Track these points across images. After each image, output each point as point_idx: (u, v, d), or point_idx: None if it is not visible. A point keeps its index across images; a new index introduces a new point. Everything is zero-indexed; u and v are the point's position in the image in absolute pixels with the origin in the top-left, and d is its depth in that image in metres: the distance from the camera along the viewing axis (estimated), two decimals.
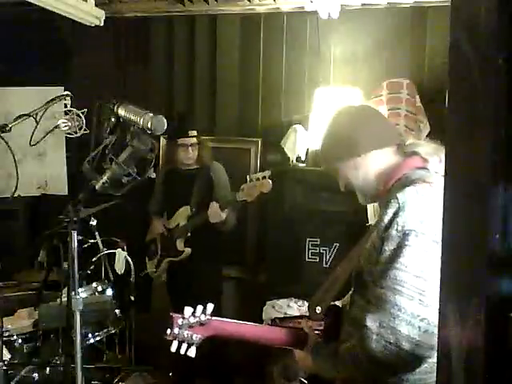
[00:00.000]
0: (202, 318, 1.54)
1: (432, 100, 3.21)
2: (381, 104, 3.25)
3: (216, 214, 3.13)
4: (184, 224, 3.31)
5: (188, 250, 3.31)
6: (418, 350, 1.28)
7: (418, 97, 3.26)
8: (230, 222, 3.29)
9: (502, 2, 0.60)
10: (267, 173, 2.98)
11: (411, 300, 1.28)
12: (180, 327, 1.52)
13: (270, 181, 2.95)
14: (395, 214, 1.35)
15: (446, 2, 3.32)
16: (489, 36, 0.62)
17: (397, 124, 3.21)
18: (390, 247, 1.35)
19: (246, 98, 3.86)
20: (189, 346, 1.53)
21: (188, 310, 1.54)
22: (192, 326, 1.53)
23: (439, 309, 0.73)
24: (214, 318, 1.56)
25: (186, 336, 1.52)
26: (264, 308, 3.18)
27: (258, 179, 2.97)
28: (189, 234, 3.30)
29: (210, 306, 1.57)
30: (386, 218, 1.37)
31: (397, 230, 1.34)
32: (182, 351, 1.52)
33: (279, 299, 3.25)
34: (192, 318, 1.53)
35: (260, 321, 3.11)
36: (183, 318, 1.53)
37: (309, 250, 3.31)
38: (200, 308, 1.56)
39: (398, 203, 1.36)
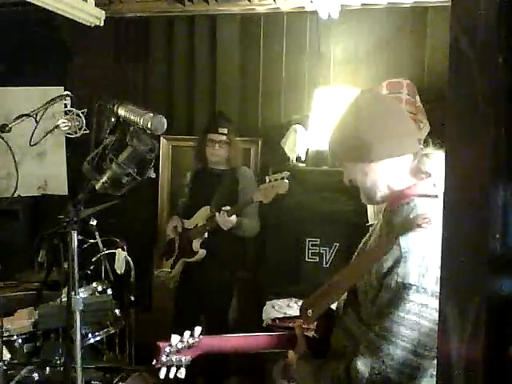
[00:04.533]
0: (190, 341, 1.52)
1: (432, 100, 3.21)
2: None
3: (223, 221, 3.09)
4: (202, 225, 3.27)
5: (202, 252, 3.26)
6: None
7: (417, 97, 3.26)
8: (249, 229, 3.26)
9: (501, 2, 0.60)
10: (285, 174, 2.89)
11: (404, 351, 1.28)
12: (167, 355, 1.51)
13: (287, 181, 2.88)
14: (395, 264, 1.29)
15: (446, 1, 3.32)
16: (489, 36, 0.62)
17: None
18: (387, 295, 1.30)
19: (246, 98, 3.86)
20: (178, 368, 1.52)
21: (175, 338, 1.52)
22: (180, 351, 1.52)
23: (439, 308, 0.73)
24: (202, 336, 1.55)
25: (174, 361, 1.51)
26: (264, 308, 3.18)
27: (275, 180, 2.91)
28: (205, 235, 3.25)
29: (198, 329, 1.55)
30: (386, 265, 1.31)
31: (396, 281, 1.28)
32: (171, 375, 1.51)
33: (279, 299, 3.24)
34: (180, 343, 1.52)
35: (260, 321, 3.11)
36: (170, 345, 1.52)
37: (309, 249, 3.30)
38: (187, 333, 1.54)
39: (400, 251, 1.29)
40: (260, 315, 3.15)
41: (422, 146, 1.47)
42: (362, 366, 1.31)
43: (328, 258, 3.27)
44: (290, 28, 3.72)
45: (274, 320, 3.07)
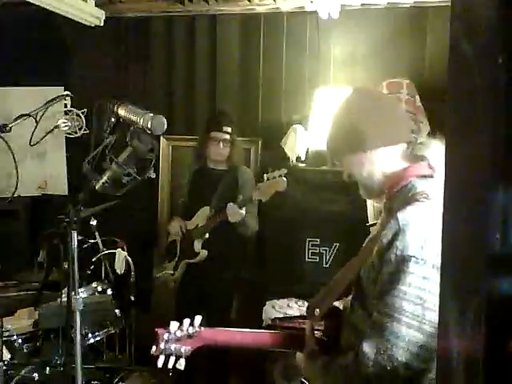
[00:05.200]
0: (190, 330, 1.51)
1: (432, 100, 3.21)
2: None
3: (235, 213, 3.04)
4: (203, 225, 3.26)
5: (204, 252, 3.24)
6: (416, 376, 1.26)
7: (417, 97, 3.26)
8: (252, 226, 3.23)
9: (501, 2, 0.60)
10: (283, 171, 2.89)
11: (409, 328, 1.25)
12: (166, 342, 1.50)
13: (285, 179, 2.88)
14: (394, 237, 1.29)
15: (446, 1, 3.32)
16: (489, 36, 0.62)
17: None
18: (388, 270, 1.30)
19: (245, 98, 3.86)
20: (177, 359, 1.50)
21: (174, 325, 1.52)
22: (179, 339, 1.50)
23: (439, 309, 0.73)
24: (203, 328, 1.54)
25: (173, 349, 1.49)
26: (264, 308, 3.18)
27: (273, 178, 2.90)
28: (206, 236, 3.23)
29: (198, 318, 1.54)
30: (385, 240, 1.31)
31: (396, 254, 1.28)
32: (170, 365, 1.50)
33: (279, 299, 3.25)
34: (179, 331, 1.51)
35: (260, 321, 3.11)
36: (169, 332, 1.51)
37: (309, 250, 3.30)
38: (187, 321, 1.53)
39: (398, 225, 1.29)
40: (260, 315, 3.15)
41: (415, 135, 1.51)
42: (368, 347, 1.29)
43: (328, 257, 3.27)
44: (290, 28, 3.72)
45: (274, 320, 3.07)
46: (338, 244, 3.25)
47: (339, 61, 3.66)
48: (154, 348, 1.50)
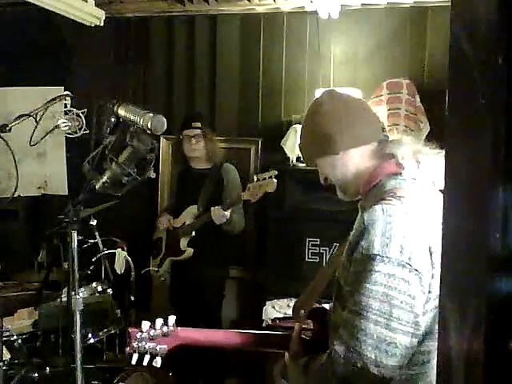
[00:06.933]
0: (164, 329, 1.57)
1: (432, 100, 3.21)
2: (381, 104, 3.25)
3: (219, 216, 3.11)
4: (189, 223, 3.29)
5: (190, 250, 3.28)
6: (386, 372, 1.26)
7: (417, 97, 3.26)
8: (238, 224, 3.28)
9: (502, 2, 0.60)
10: (273, 172, 2.93)
11: (377, 325, 1.26)
12: (139, 341, 1.56)
13: (275, 180, 2.92)
14: (360, 236, 1.32)
15: (446, 1, 3.32)
16: (489, 36, 0.62)
17: (397, 124, 3.21)
18: (355, 269, 1.32)
19: (246, 98, 3.86)
20: (154, 357, 1.56)
21: (145, 324, 1.57)
22: (153, 338, 1.56)
23: (439, 309, 0.73)
24: (180, 328, 1.59)
25: (147, 348, 1.55)
26: (264, 308, 3.18)
27: (264, 179, 2.94)
28: (193, 234, 3.28)
29: (172, 318, 1.59)
30: (352, 239, 1.35)
31: (361, 253, 1.30)
32: (145, 363, 1.55)
33: (279, 299, 3.25)
34: (152, 330, 1.57)
35: (260, 321, 3.11)
36: (141, 331, 1.56)
37: (309, 250, 3.30)
38: (160, 321, 1.58)
39: (364, 224, 1.32)
40: (260, 315, 3.15)
41: (386, 134, 1.54)
42: (339, 345, 1.30)
43: (328, 257, 3.27)
44: (290, 28, 3.73)
45: (274, 320, 3.08)
46: (337, 244, 3.24)
47: (339, 61, 3.66)
48: (127, 347, 1.57)
